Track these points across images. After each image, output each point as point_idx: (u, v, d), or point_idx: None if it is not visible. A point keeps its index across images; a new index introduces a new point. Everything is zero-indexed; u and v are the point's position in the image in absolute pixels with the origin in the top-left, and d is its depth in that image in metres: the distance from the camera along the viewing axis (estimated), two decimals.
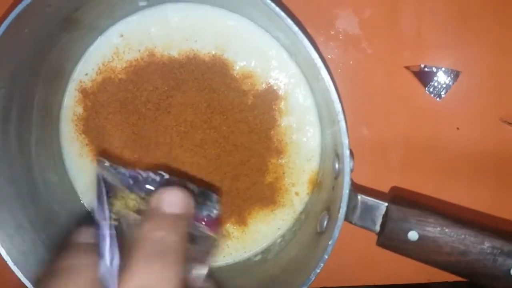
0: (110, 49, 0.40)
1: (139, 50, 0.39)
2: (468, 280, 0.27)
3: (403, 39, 0.40)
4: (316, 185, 0.39)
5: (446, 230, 0.26)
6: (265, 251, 0.41)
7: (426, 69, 0.40)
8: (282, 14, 0.29)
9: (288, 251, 0.38)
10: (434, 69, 0.40)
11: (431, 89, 0.40)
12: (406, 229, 0.27)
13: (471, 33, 0.40)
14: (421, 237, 0.27)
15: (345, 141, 0.28)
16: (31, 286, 0.33)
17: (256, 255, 0.41)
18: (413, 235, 0.27)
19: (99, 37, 0.39)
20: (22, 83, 0.35)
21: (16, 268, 0.33)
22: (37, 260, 0.35)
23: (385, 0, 0.40)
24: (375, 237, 0.41)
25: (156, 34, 0.39)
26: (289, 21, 0.28)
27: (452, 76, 0.40)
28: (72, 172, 0.42)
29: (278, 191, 0.40)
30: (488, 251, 0.25)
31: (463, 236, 0.26)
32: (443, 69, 0.40)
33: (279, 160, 0.39)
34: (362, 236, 0.41)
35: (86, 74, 0.40)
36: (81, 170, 0.42)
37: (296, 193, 0.40)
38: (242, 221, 0.41)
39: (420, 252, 0.27)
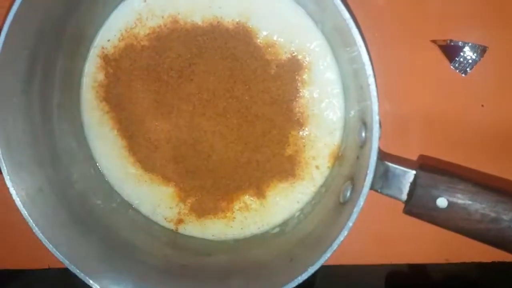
0: (133, 15, 0.39)
1: (163, 17, 0.39)
2: (500, 249, 0.27)
3: (430, 12, 0.39)
4: (338, 158, 0.38)
5: (477, 197, 0.26)
6: (283, 224, 0.41)
7: (452, 44, 0.39)
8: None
9: (307, 224, 0.38)
10: (461, 44, 0.39)
11: (456, 65, 0.39)
12: (435, 196, 0.27)
13: (499, 8, 0.39)
14: (450, 204, 0.26)
15: (375, 107, 0.28)
16: (51, 246, 0.33)
17: (273, 228, 0.41)
18: (442, 202, 0.27)
19: (122, 2, 0.39)
20: (46, 45, 0.35)
21: (37, 229, 0.33)
22: (58, 223, 0.36)
23: None
24: (393, 216, 0.40)
25: (180, 0, 0.38)
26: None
27: (478, 52, 0.39)
28: (91, 140, 0.42)
29: (298, 164, 0.40)
30: None
31: (494, 203, 0.26)
32: (470, 44, 0.39)
33: (300, 133, 0.39)
34: (379, 217, 0.41)
35: (108, 41, 0.40)
36: (100, 138, 0.42)
37: (317, 167, 0.39)
38: (260, 194, 0.40)
39: (449, 219, 0.27)
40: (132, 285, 0.35)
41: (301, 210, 0.40)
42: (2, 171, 0.33)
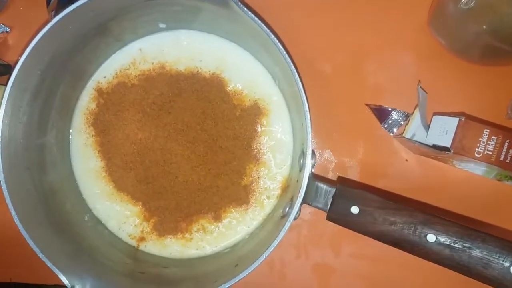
0: (128, 59, 0.48)
1: (152, 63, 0.48)
2: (397, 248, 0.33)
3: (366, 82, 0.49)
4: (285, 189, 0.46)
5: (380, 205, 0.33)
6: (234, 245, 0.46)
7: (382, 108, 0.49)
8: (292, 66, 0.36)
9: (253, 243, 0.44)
10: (389, 109, 0.49)
11: (386, 125, 0.49)
12: (349, 205, 0.34)
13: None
14: (361, 211, 0.34)
15: (309, 136, 0.36)
16: (29, 237, 0.38)
17: (225, 249, 0.46)
18: (355, 209, 0.34)
19: (121, 48, 0.48)
20: (54, 71, 0.43)
21: (19, 223, 0.38)
22: (37, 221, 0.40)
23: (352, 53, 0.50)
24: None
25: (169, 52, 0.48)
26: (293, 69, 0.36)
27: (403, 117, 0.49)
28: (74, 158, 0.48)
29: (252, 193, 0.46)
30: (410, 220, 0.32)
31: (392, 210, 0.33)
32: (396, 110, 0.49)
33: (256, 166, 0.46)
34: (316, 258, 0.48)
35: (104, 77, 0.48)
36: (82, 157, 0.48)
37: (268, 197, 0.46)
38: (217, 218, 0.46)
39: (360, 223, 0.34)
40: (92, 281, 0.39)
41: (251, 233, 0.46)
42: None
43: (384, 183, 0.48)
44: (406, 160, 0.49)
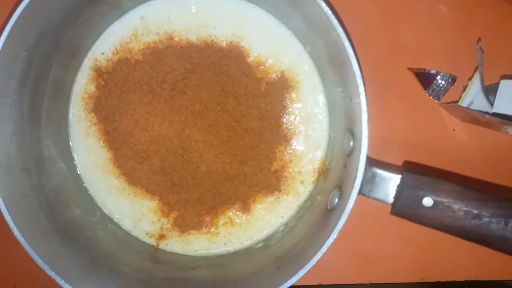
0: (129, 30, 0.41)
1: (158, 33, 0.40)
2: (481, 245, 0.28)
3: (405, 42, 0.43)
4: (322, 173, 0.40)
5: (460, 195, 0.28)
6: (267, 239, 0.41)
7: (426, 72, 0.42)
8: (340, 29, 0.29)
9: (292, 237, 0.39)
10: (434, 72, 0.42)
11: (430, 91, 0.43)
12: (421, 196, 0.28)
13: (466, 41, 0.43)
14: (435, 203, 0.28)
15: (364, 115, 0.30)
16: (32, 252, 0.32)
17: (257, 243, 0.41)
18: (428, 201, 0.28)
19: (120, 18, 0.41)
20: (43, 51, 0.36)
21: (18, 233, 0.32)
22: (40, 230, 0.34)
23: (387, 11, 0.43)
24: (373, 236, 0.42)
25: (176, 19, 0.40)
26: (342, 33, 0.30)
27: (449, 81, 0.42)
28: (76, 151, 0.42)
29: (283, 179, 0.41)
30: (500, 213, 0.27)
31: (476, 201, 0.27)
32: (442, 73, 0.42)
33: (287, 148, 0.40)
34: (359, 237, 0.43)
35: (102, 53, 0.41)
36: (85, 149, 0.42)
37: (302, 182, 0.41)
38: (246, 208, 0.41)
39: (434, 217, 0.28)
40: None
41: (286, 224, 0.41)
42: None
43: (432, 157, 0.42)
44: (454, 129, 0.43)
